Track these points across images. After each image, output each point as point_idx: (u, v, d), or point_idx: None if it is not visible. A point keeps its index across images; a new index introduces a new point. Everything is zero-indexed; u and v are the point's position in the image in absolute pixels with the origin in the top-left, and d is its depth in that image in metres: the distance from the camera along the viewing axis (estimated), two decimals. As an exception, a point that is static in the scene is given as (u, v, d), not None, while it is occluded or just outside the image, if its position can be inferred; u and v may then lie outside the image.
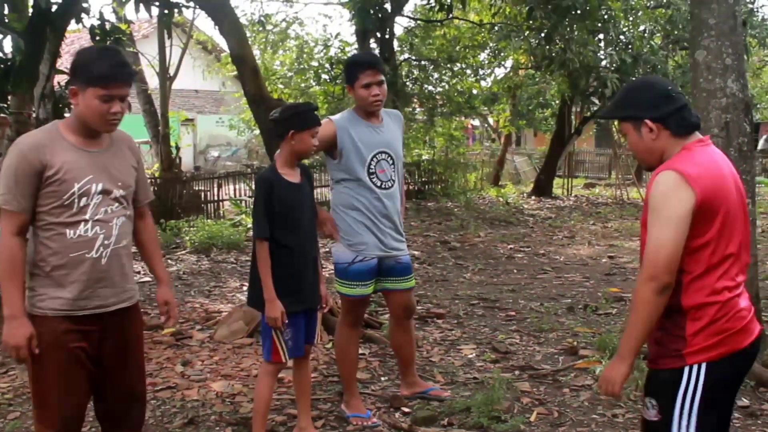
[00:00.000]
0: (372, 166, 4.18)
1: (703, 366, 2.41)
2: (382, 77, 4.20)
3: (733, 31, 4.76)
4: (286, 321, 3.67)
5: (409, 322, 4.60)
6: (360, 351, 5.33)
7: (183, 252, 10.66)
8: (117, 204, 2.88)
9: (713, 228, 2.39)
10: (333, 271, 4.40)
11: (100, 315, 2.88)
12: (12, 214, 2.75)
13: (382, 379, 5.05)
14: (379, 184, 4.21)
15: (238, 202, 13.90)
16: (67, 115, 8.19)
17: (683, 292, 2.42)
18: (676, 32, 16.33)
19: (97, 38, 8.04)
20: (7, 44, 8.54)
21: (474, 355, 5.56)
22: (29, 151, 2.73)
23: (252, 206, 3.90)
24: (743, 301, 2.50)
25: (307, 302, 3.81)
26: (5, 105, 8.88)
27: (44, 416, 2.89)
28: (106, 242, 2.84)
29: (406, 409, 4.46)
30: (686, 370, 2.42)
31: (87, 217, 2.78)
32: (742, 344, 2.46)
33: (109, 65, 2.75)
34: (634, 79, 12.03)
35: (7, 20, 7.73)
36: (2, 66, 7.72)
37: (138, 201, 3.12)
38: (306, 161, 4.28)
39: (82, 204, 2.77)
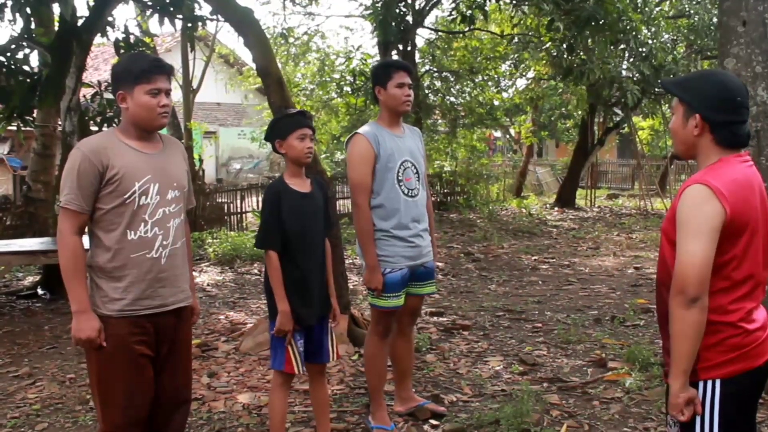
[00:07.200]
0: (400, 174, 4.18)
1: (717, 383, 2.34)
2: (411, 83, 4.23)
3: (763, 38, 4.71)
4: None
5: (411, 330, 4.56)
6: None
7: (206, 264, 10.70)
8: (174, 205, 3.01)
9: (738, 246, 2.32)
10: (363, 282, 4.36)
11: (157, 315, 2.97)
12: (74, 214, 2.87)
13: (409, 391, 5.00)
14: (406, 191, 4.20)
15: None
16: (93, 128, 8.30)
17: None
18: (699, 41, 16.23)
19: (122, 51, 8.13)
20: (34, 58, 8.67)
21: (501, 367, 5.51)
22: (91, 154, 2.86)
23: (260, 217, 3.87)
24: (761, 318, 2.42)
25: (312, 316, 3.71)
26: (31, 118, 9.00)
27: (110, 416, 2.95)
28: (164, 242, 2.97)
29: (434, 421, 4.41)
30: (700, 386, 2.35)
31: (146, 217, 2.91)
32: (758, 362, 2.38)
33: (148, 61, 2.96)
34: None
35: (34, 35, 7.83)
36: (29, 80, 7.82)
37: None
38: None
39: (141, 203, 2.89)
